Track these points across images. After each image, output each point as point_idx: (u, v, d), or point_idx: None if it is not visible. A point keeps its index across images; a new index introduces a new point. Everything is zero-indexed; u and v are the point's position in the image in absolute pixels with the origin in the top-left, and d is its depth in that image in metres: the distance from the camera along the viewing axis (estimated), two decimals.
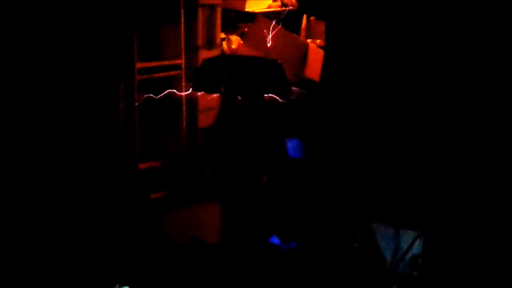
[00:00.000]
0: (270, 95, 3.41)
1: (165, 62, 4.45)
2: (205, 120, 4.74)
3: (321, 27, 5.42)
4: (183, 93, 3.80)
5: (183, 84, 4.38)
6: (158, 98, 4.18)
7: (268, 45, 4.40)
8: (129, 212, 3.85)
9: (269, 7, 5.53)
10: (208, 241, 3.72)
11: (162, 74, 4.40)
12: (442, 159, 3.69)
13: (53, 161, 3.73)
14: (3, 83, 3.60)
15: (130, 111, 4.19)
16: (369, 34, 4.06)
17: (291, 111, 3.80)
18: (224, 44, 5.07)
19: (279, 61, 3.38)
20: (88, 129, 3.91)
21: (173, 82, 4.34)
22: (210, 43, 4.82)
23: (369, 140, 3.97)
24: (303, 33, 5.55)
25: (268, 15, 5.14)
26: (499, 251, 3.38)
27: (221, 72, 3.28)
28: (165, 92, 3.98)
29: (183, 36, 4.48)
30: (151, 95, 4.02)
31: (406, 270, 3.51)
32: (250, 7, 5.36)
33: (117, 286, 3.18)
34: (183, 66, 4.51)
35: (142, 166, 4.33)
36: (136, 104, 4.18)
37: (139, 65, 4.23)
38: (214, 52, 4.80)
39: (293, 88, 3.65)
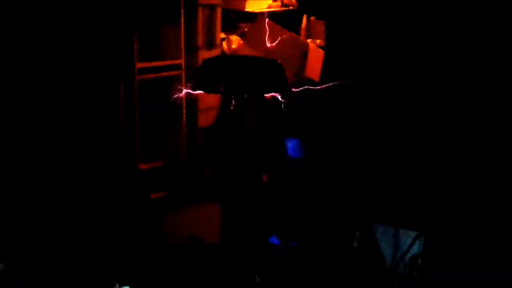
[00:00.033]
0: (271, 94, 3.41)
1: (165, 62, 4.45)
2: (205, 120, 4.75)
3: (321, 27, 5.42)
4: (183, 93, 3.79)
5: (183, 84, 4.39)
6: (158, 98, 4.18)
7: (268, 45, 4.39)
8: (129, 212, 3.85)
9: (269, 7, 5.53)
10: (208, 241, 3.72)
11: (162, 74, 4.41)
12: (441, 160, 3.69)
13: (53, 161, 3.73)
14: (4, 83, 3.60)
15: (130, 111, 4.19)
16: (369, 34, 4.06)
17: (291, 111, 3.79)
18: (224, 44, 5.07)
19: (279, 61, 3.37)
20: (88, 129, 3.91)
21: (173, 82, 4.33)
22: (210, 43, 4.82)
23: (369, 140, 3.97)
24: (303, 33, 5.54)
25: (268, 15, 5.14)
26: (499, 251, 3.38)
27: (221, 72, 3.27)
28: (165, 92, 3.98)
29: (183, 36, 4.49)
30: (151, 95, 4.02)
31: (406, 270, 3.51)
32: (250, 7, 5.36)
33: (117, 286, 3.18)
34: (183, 66, 4.51)
35: (142, 166, 4.33)
36: (136, 104, 4.18)
37: (139, 65, 4.23)
38: (214, 52, 4.81)
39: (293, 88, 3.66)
